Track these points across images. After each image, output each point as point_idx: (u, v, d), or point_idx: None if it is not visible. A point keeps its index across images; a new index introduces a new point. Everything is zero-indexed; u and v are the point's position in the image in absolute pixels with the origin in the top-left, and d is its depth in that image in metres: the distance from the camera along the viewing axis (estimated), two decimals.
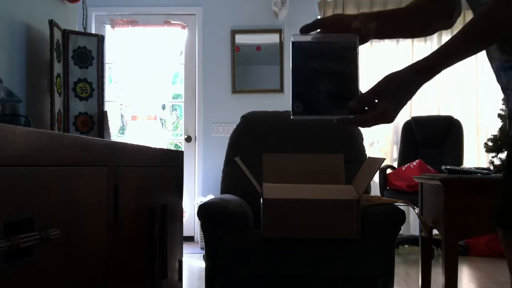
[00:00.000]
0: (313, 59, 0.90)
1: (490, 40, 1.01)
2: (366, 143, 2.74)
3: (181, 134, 4.82)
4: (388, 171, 4.24)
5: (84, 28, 3.02)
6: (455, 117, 4.46)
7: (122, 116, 4.93)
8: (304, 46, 0.91)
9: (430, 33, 1.24)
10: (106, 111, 2.44)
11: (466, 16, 4.43)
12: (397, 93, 0.92)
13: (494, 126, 2.13)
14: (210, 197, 3.71)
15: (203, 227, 2.11)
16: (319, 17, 4.69)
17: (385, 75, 0.93)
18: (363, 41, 1.04)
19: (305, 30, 0.97)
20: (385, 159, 2.23)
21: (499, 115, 2.09)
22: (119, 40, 4.77)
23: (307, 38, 0.93)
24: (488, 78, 4.53)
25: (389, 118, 0.93)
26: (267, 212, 1.96)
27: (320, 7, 4.75)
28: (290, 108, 0.88)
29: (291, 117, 0.89)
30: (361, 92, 0.91)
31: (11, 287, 0.75)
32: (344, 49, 0.91)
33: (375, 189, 3.95)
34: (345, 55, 0.90)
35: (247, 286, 2.04)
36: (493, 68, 1.14)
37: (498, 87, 1.38)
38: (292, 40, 0.91)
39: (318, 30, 1.00)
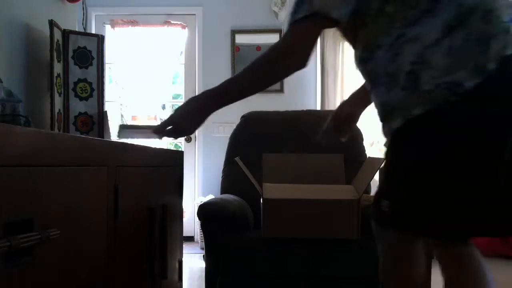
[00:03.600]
0: None
1: (255, 91, 1.33)
2: (366, 143, 2.74)
3: None
4: None
5: (84, 28, 3.03)
6: None
7: (122, 116, 4.92)
8: None
9: None
10: (106, 111, 2.44)
11: None
12: (192, 115, 1.30)
13: None
14: (210, 197, 3.71)
15: (203, 227, 2.11)
16: None
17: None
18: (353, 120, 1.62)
19: None
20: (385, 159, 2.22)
21: None
22: (119, 40, 4.77)
23: None
24: None
25: (184, 133, 1.38)
26: (267, 212, 1.96)
27: None
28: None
29: None
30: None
31: (11, 287, 0.76)
32: None
33: (375, 189, 3.94)
34: None
35: (247, 286, 2.04)
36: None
37: None
38: None
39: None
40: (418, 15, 1.12)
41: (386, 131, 1.22)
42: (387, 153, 1.25)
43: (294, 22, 1.21)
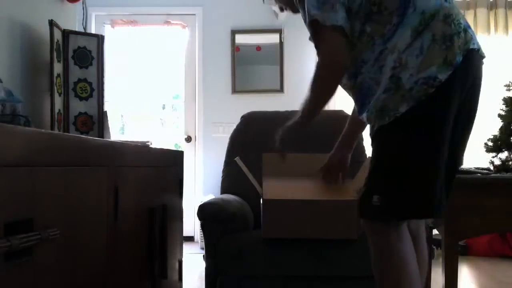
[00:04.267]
0: None
1: (326, 101, 1.49)
2: (366, 143, 2.74)
3: (181, 134, 4.82)
4: None
5: (84, 28, 3.02)
6: None
7: (122, 116, 4.92)
8: None
9: None
10: (106, 111, 2.44)
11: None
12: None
13: (494, 126, 2.13)
14: (210, 197, 3.71)
15: (203, 227, 2.11)
16: None
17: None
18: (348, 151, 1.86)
19: None
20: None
21: (499, 115, 2.09)
22: (119, 40, 4.77)
23: None
24: (488, 78, 4.52)
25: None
26: (267, 212, 1.96)
27: None
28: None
29: None
30: None
31: (11, 287, 0.76)
32: None
33: None
34: None
35: (247, 286, 2.04)
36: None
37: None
38: None
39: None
40: (393, 28, 1.33)
41: (372, 130, 1.41)
42: (374, 150, 1.42)
43: (323, 28, 1.36)
